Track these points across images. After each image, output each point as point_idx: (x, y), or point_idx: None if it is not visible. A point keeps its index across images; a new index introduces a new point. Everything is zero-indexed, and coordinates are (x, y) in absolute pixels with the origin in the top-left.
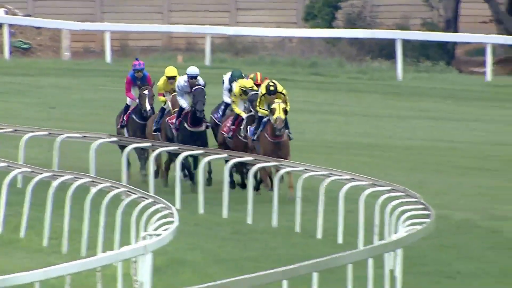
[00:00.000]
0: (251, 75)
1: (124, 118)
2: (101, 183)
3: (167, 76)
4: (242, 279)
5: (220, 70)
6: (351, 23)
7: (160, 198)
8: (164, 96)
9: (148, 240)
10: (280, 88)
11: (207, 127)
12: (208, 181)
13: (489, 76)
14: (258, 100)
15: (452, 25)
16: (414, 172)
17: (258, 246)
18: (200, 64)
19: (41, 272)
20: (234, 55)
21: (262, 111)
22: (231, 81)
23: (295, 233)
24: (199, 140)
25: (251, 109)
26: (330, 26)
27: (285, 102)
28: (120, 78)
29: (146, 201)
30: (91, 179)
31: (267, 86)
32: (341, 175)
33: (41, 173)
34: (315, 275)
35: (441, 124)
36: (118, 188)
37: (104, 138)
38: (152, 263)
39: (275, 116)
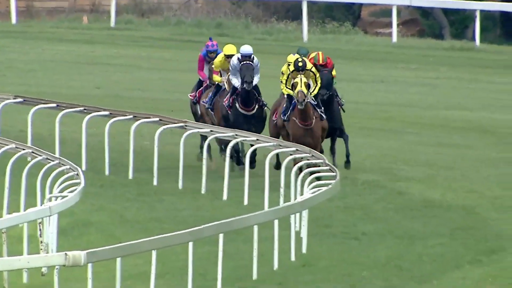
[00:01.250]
0: (313, 54)
1: (197, 94)
2: (6, 145)
3: (225, 54)
4: (147, 240)
5: (126, 31)
6: None
7: (66, 159)
8: (220, 75)
9: (53, 202)
10: (309, 65)
11: (261, 107)
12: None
13: (394, 37)
14: (285, 78)
15: None
16: None
17: (163, 208)
18: (105, 26)
19: None
20: (140, 16)
21: (289, 91)
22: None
23: (201, 194)
24: (251, 123)
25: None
26: None
27: (314, 79)
28: (24, 40)
29: (52, 163)
30: None
31: (295, 62)
32: (247, 137)
33: None
34: (221, 237)
35: (347, 86)
36: (23, 149)
37: (9, 99)
38: (57, 224)
39: (296, 90)
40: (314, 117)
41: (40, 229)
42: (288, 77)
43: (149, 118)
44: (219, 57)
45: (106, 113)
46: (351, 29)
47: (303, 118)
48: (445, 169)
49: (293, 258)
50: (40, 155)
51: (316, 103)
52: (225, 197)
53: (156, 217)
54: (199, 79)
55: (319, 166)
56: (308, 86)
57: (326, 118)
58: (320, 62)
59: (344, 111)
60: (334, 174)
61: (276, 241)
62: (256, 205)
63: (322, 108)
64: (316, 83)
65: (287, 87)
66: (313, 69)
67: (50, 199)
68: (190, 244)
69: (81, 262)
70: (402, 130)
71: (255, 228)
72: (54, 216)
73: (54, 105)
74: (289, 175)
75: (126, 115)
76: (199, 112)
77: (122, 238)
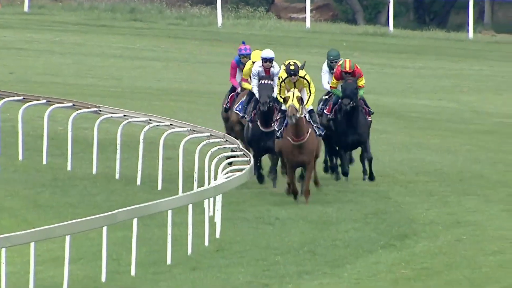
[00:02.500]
0: (340, 62)
1: (228, 100)
2: None
3: (253, 62)
4: (61, 225)
5: (39, 16)
6: None
7: None
8: (249, 82)
9: None
10: (302, 72)
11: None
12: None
13: (308, 23)
14: (278, 88)
15: None
16: None
17: (77, 193)
18: (19, 10)
19: None
20: (53, 1)
21: (280, 99)
22: (329, 63)
23: (115, 179)
24: (269, 139)
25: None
26: None
27: (308, 88)
28: None
29: None
30: None
31: (287, 66)
32: (160, 122)
33: None
34: (135, 221)
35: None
36: None
37: None
38: None
39: (288, 104)
40: (307, 133)
41: None
42: (281, 86)
43: (63, 103)
44: (248, 65)
45: (20, 98)
46: (265, 14)
47: (296, 133)
48: (358, 153)
49: (207, 243)
50: None
51: (311, 118)
52: (139, 182)
53: (69, 202)
54: (232, 86)
55: (234, 151)
56: (300, 100)
57: (350, 131)
58: (347, 69)
59: (370, 120)
60: (247, 159)
61: (190, 226)
62: (170, 190)
63: (318, 123)
64: (310, 93)
65: (281, 97)
66: (307, 77)
67: None
68: (104, 229)
69: None
70: None
71: (169, 213)
72: None
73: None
74: (203, 159)
75: (40, 100)
76: (230, 120)
77: (35, 223)
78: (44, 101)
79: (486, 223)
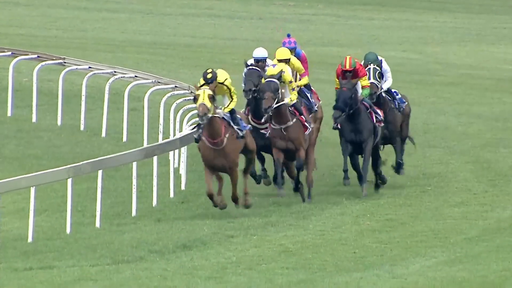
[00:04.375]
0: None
1: None
2: None
3: (278, 60)
4: (26, 177)
5: None
6: None
7: None
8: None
9: None
10: (222, 78)
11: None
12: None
13: None
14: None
15: None
16: (198, 69)
17: (42, 144)
18: None
19: None
20: None
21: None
22: (365, 65)
23: (80, 131)
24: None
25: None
26: None
27: (229, 94)
28: None
29: None
30: None
31: (204, 74)
32: (125, 73)
33: None
34: (100, 173)
35: (224, 22)
36: None
37: None
38: None
39: (198, 103)
40: (225, 135)
41: None
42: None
43: (28, 55)
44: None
45: None
46: None
47: (210, 134)
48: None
49: (172, 194)
50: None
51: (232, 118)
52: (104, 134)
53: (34, 154)
54: None
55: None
56: (212, 98)
57: (354, 132)
58: (347, 67)
59: (377, 125)
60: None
61: (155, 177)
62: (135, 141)
63: (243, 125)
64: (232, 99)
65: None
66: (226, 82)
67: None
68: (69, 180)
69: None
70: None
71: (134, 165)
72: None
73: None
74: (168, 111)
75: (5, 52)
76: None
77: (0, 175)
78: (9, 53)
79: (450, 175)
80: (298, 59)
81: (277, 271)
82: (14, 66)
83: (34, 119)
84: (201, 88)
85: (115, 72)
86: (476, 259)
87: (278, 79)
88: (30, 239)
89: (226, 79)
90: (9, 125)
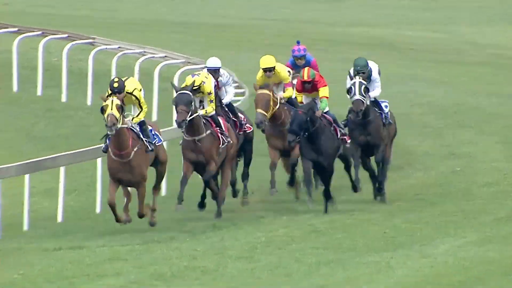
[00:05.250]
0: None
1: None
2: None
3: (262, 68)
4: (55, 157)
5: None
6: None
7: None
8: (293, 87)
9: None
10: (130, 87)
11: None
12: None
13: None
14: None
15: None
16: (227, 49)
17: (71, 124)
18: None
19: None
20: None
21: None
22: (355, 73)
23: None
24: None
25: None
26: None
27: (138, 104)
28: None
29: None
30: None
31: (111, 83)
32: (155, 53)
33: None
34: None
35: (254, 2)
36: None
37: None
38: None
39: (106, 114)
40: (133, 148)
41: None
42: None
43: (57, 34)
44: (259, 73)
45: (14, 29)
46: None
47: (116, 146)
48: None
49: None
50: None
51: (141, 130)
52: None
53: (64, 134)
54: None
55: None
56: (121, 108)
57: (315, 151)
58: (305, 78)
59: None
60: (243, 90)
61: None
62: (164, 121)
63: (154, 136)
64: (141, 109)
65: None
66: (135, 92)
67: None
68: (99, 160)
69: None
70: (310, 47)
71: (165, 144)
72: None
73: None
74: None
75: (35, 31)
76: None
77: (29, 155)
78: (39, 32)
79: (480, 155)
80: (308, 65)
81: (307, 251)
82: (44, 45)
83: (64, 99)
84: (108, 98)
85: (144, 52)
86: (505, 240)
87: (191, 91)
88: (59, 219)
89: (134, 89)
90: (39, 104)
